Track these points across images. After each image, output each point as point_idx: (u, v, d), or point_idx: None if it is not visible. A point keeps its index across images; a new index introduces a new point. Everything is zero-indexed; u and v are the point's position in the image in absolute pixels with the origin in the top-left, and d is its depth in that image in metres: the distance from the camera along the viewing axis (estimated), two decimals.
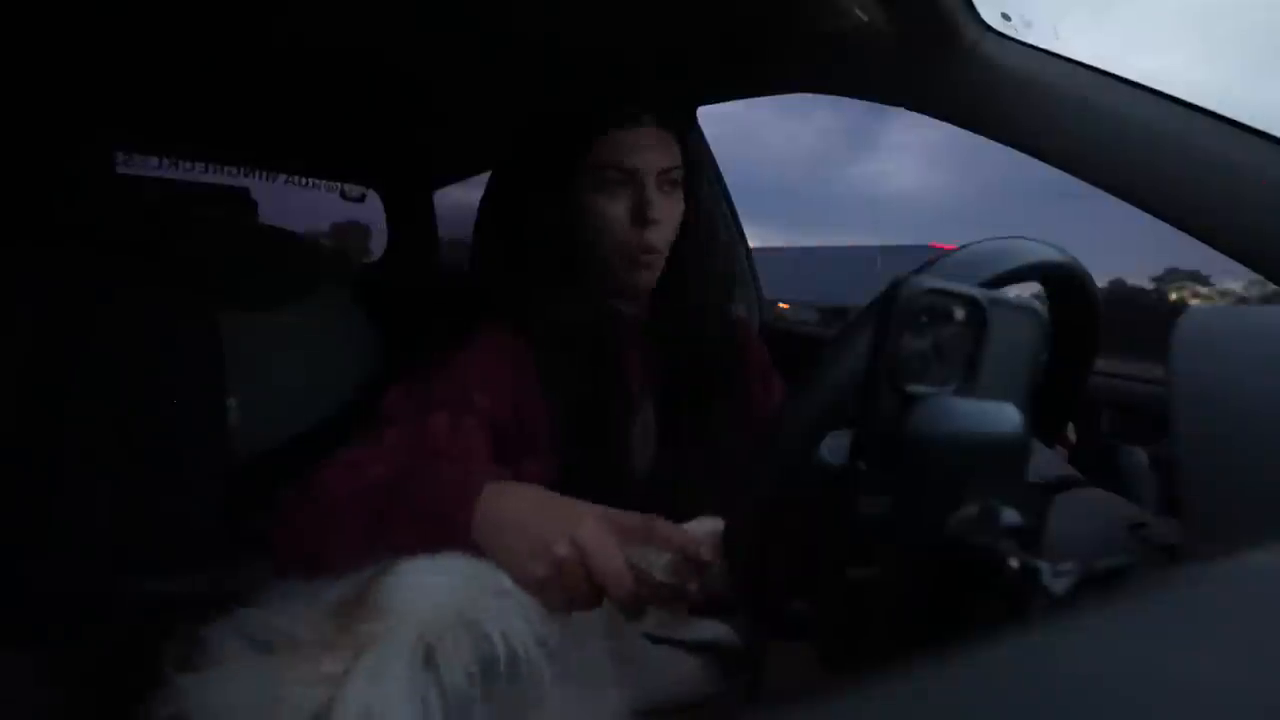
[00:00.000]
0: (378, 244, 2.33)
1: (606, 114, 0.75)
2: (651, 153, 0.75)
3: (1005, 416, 0.33)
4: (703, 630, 0.64)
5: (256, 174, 1.83)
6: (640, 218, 0.74)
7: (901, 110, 0.83)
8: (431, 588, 0.45)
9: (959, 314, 0.32)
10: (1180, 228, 0.62)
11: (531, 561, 0.50)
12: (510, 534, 0.52)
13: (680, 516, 0.74)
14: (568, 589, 0.50)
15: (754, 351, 0.90)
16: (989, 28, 0.73)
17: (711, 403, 0.80)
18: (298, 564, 0.58)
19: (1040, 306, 0.35)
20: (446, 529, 0.52)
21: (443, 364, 0.73)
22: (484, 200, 0.89)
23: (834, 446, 0.36)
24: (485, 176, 0.92)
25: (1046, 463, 0.45)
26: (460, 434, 0.68)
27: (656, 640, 0.61)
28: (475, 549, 0.51)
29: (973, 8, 0.72)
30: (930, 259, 0.39)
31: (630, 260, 0.75)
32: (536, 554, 0.50)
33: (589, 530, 0.50)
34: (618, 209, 0.74)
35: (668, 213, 0.76)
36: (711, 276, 0.84)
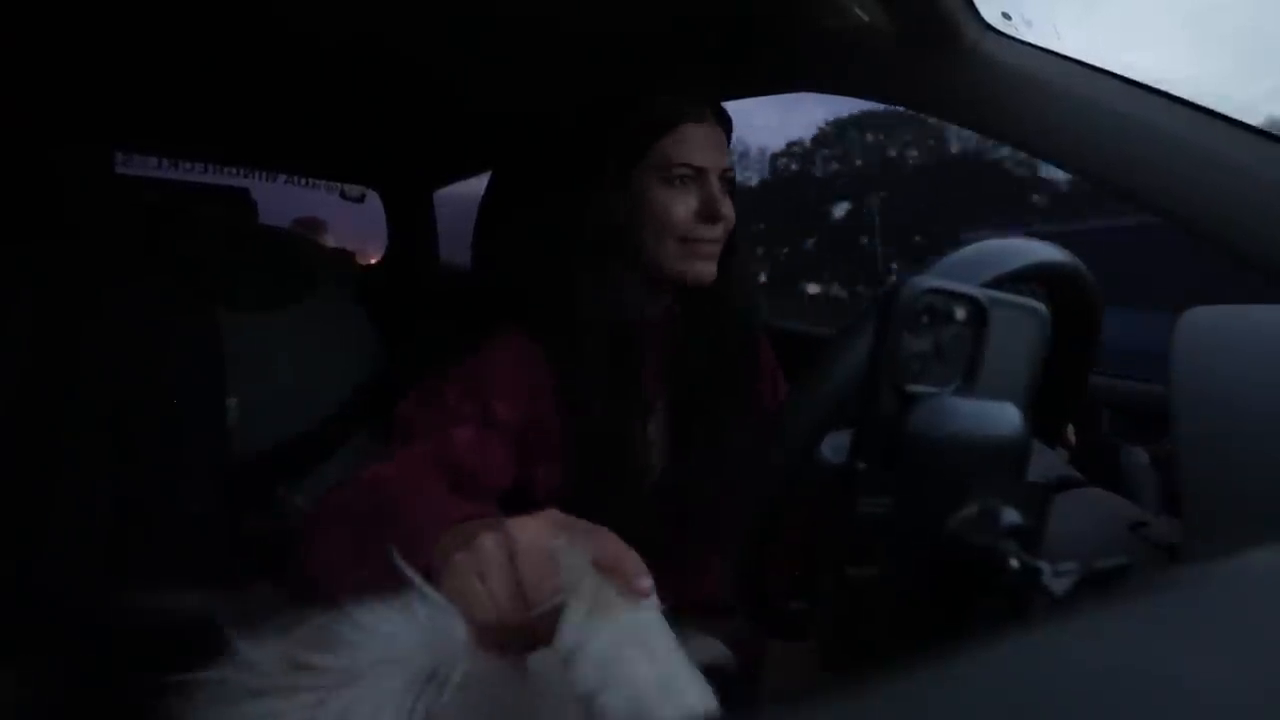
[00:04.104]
0: (338, 239, 2.37)
1: (674, 108, 0.76)
2: (715, 151, 0.77)
3: (1005, 416, 0.33)
4: (699, 651, 0.64)
5: (256, 174, 1.82)
6: (710, 215, 0.75)
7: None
8: (387, 635, 0.42)
9: (959, 314, 0.32)
10: (1180, 226, 0.62)
11: (466, 576, 0.42)
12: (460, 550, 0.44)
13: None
14: (494, 596, 0.41)
15: (763, 351, 0.90)
16: (989, 27, 0.73)
17: (726, 408, 0.80)
18: (297, 586, 0.58)
19: (1040, 306, 0.35)
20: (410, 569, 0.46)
21: (461, 373, 0.73)
22: (495, 201, 0.89)
23: (835, 445, 0.36)
24: (485, 177, 0.92)
25: (1046, 463, 0.45)
26: (484, 448, 0.68)
27: None
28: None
29: (973, 7, 0.71)
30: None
31: (692, 251, 0.75)
32: (469, 566, 0.42)
33: (523, 524, 0.43)
34: (684, 206, 0.75)
35: (728, 210, 0.77)
36: (748, 280, 0.85)
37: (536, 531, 0.42)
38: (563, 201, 0.79)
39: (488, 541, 0.42)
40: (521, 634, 0.41)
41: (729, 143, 0.80)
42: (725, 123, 0.80)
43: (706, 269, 0.76)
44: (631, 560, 0.41)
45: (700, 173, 0.75)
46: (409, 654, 0.39)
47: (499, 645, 0.41)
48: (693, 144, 0.75)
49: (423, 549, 0.46)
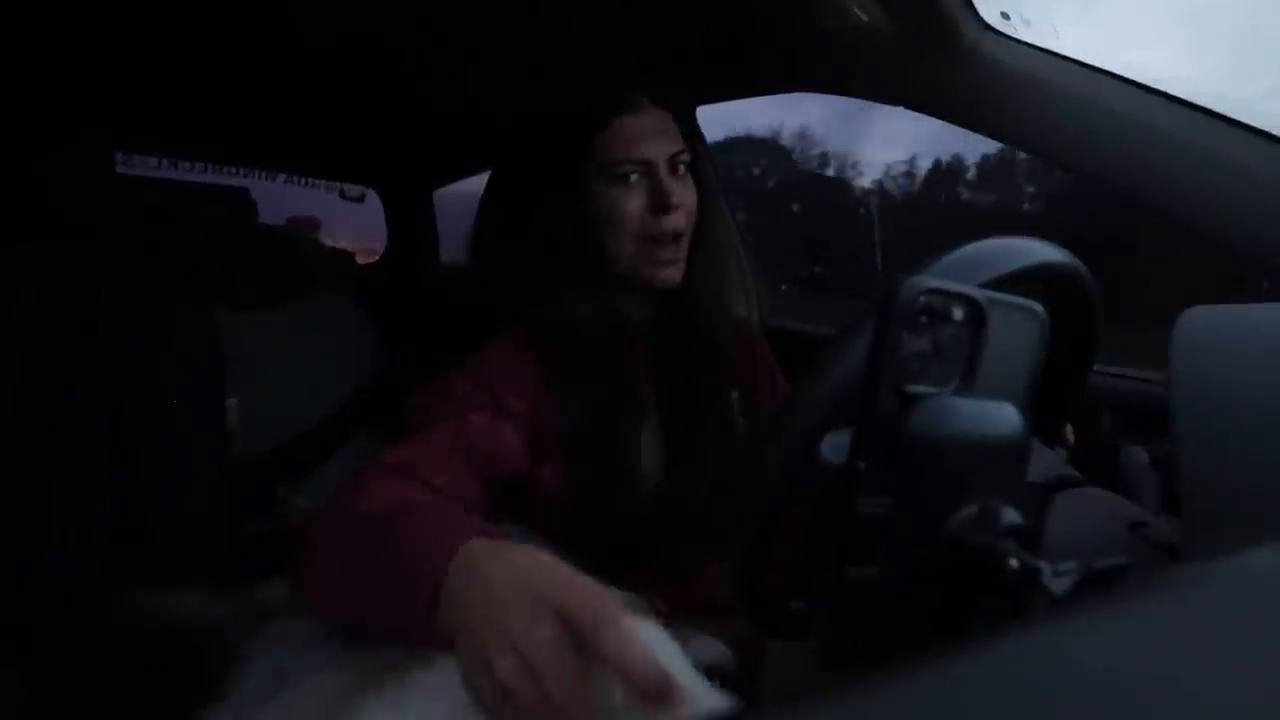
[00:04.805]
0: (327, 236, 2.27)
1: (605, 104, 0.74)
2: (658, 139, 0.74)
3: (1005, 416, 0.33)
4: (701, 651, 0.64)
5: (256, 174, 1.83)
6: (660, 206, 0.72)
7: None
8: None
9: (959, 314, 0.32)
10: (1179, 226, 0.62)
11: (476, 674, 0.42)
12: (469, 622, 0.43)
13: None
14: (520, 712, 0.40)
15: (759, 349, 0.89)
16: (989, 27, 0.73)
17: (721, 406, 0.78)
18: (301, 581, 0.58)
19: (1039, 306, 0.35)
20: (412, 598, 0.46)
21: (470, 366, 0.73)
22: (485, 205, 0.88)
23: (834, 445, 0.36)
24: (484, 177, 0.92)
25: (1046, 463, 0.45)
26: (498, 434, 0.69)
27: None
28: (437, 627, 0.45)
29: (972, 7, 0.72)
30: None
31: (653, 254, 0.73)
32: (482, 665, 0.41)
33: (540, 644, 0.40)
34: (634, 201, 0.72)
35: (684, 198, 0.74)
36: (725, 272, 0.82)
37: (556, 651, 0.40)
38: (527, 210, 0.77)
39: (503, 666, 0.40)
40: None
41: (690, 122, 0.78)
42: (669, 105, 0.77)
43: (671, 272, 0.74)
44: (657, 671, 0.39)
45: (645, 165, 0.72)
46: None
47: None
48: (631, 137, 0.72)
49: (426, 581, 0.46)
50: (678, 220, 0.73)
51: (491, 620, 0.42)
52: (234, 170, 1.78)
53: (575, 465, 0.73)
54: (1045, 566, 0.29)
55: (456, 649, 0.43)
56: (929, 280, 0.32)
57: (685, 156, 0.75)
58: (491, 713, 0.41)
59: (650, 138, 0.73)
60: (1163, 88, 0.65)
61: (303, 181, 1.92)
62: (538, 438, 0.72)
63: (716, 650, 0.65)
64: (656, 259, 0.73)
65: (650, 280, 0.74)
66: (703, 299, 0.79)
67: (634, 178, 0.72)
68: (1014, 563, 0.29)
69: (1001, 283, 0.38)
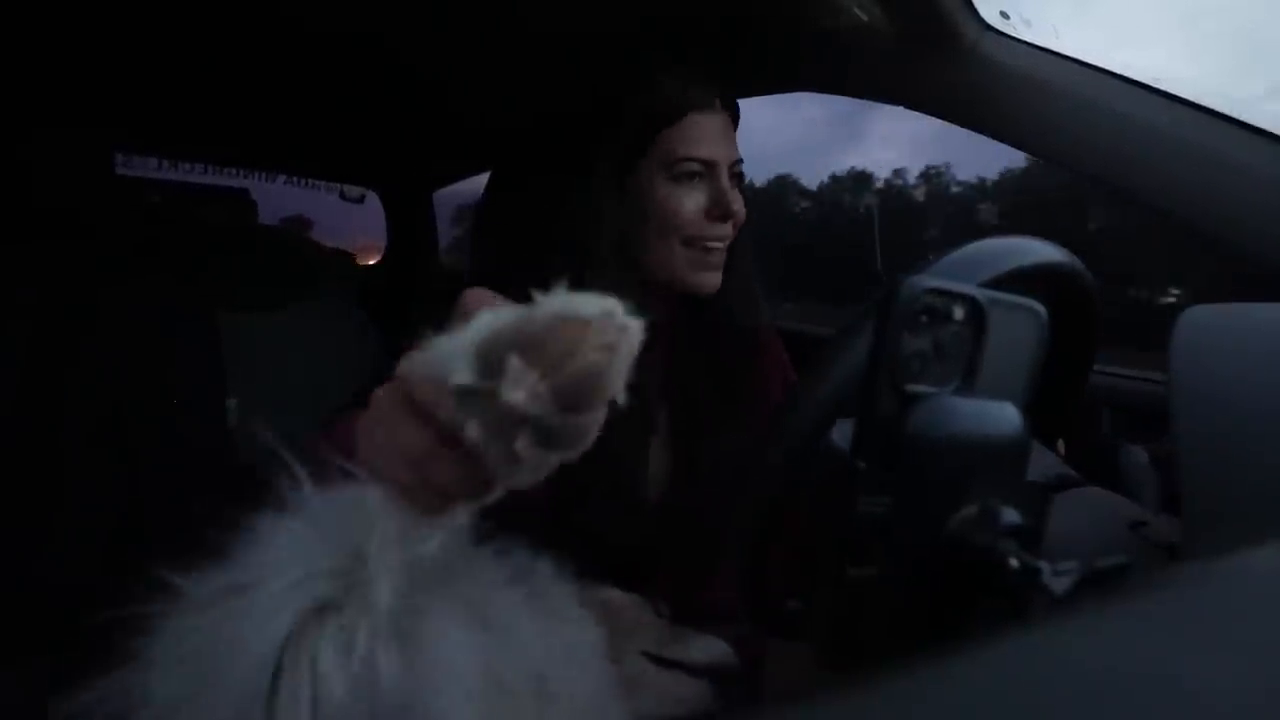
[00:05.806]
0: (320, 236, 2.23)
1: (680, 97, 0.70)
2: (724, 143, 0.71)
3: (1005, 416, 0.33)
4: (703, 650, 0.64)
5: (256, 174, 1.83)
6: (721, 213, 0.69)
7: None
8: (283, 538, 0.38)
9: (959, 314, 0.32)
10: (1180, 226, 0.62)
11: (368, 436, 0.39)
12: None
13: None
14: (410, 448, 0.38)
15: (774, 350, 0.86)
16: (988, 26, 0.73)
17: (728, 418, 0.75)
18: None
19: (1040, 306, 0.35)
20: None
21: None
22: (488, 205, 0.87)
23: (846, 433, 0.36)
24: (485, 177, 0.92)
25: (1046, 463, 0.45)
26: None
27: (657, 661, 0.61)
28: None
29: (972, 7, 0.71)
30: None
31: (699, 259, 0.70)
32: (369, 426, 0.39)
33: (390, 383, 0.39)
34: (693, 203, 0.69)
35: (740, 208, 0.72)
36: (751, 284, 0.79)
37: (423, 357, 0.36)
38: (556, 206, 0.74)
39: (378, 393, 0.37)
40: (453, 475, 0.35)
41: (735, 131, 0.75)
42: (733, 110, 0.75)
43: (712, 279, 0.71)
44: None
45: (709, 167, 0.70)
46: (303, 549, 0.35)
47: (431, 499, 0.36)
48: (700, 135, 0.69)
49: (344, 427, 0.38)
50: (730, 229, 0.71)
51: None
52: (234, 171, 1.78)
53: (583, 470, 0.71)
54: (1045, 566, 0.29)
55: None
56: (929, 279, 0.31)
57: (741, 166, 0.73)
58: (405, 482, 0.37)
59: (717, 140, 0.70)
60: (1162, 87, 0.65)
61: (302, 182, 1.92)
62: None
63: (717, 650, 0.65)
64: (703, 262, 0.71)
65: (687, 284, 0.71)
66: (733, 309, 0.76)
67: (695, 178, 0.70)
68: (1014, 563, 0.29)
69: (1001, 282, 0.38)
